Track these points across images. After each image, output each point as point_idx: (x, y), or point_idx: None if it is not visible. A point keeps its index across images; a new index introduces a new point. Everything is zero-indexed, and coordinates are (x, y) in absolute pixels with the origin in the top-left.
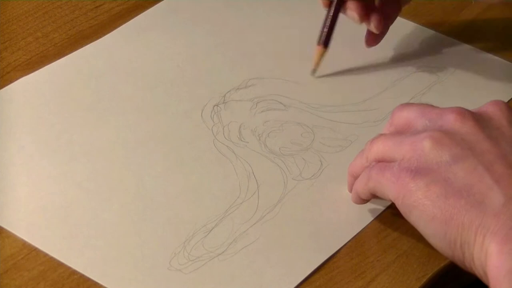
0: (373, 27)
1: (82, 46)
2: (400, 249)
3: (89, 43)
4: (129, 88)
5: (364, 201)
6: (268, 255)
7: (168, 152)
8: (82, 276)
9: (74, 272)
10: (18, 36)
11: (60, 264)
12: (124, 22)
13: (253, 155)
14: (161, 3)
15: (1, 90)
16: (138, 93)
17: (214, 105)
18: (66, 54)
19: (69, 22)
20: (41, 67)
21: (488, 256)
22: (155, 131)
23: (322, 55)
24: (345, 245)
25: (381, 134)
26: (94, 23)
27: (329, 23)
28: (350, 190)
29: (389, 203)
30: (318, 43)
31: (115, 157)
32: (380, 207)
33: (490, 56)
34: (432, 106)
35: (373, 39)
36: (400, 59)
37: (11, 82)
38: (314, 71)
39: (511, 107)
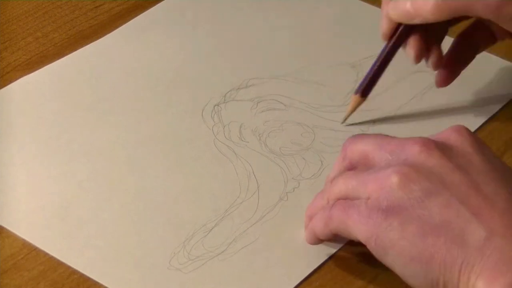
0: (430, 64)
1: (82, 46)
2: None
3: (89, 43)
4: (129, 88)
5: (321, 241)
6: (268, 255)
7: (168, 152)
8: (82, 276)
9: (74, 272)
10: (18, 36)
11: (60, 264)
12: (124, 22)
13: (253, 155)
14: (161, 3)
15: (1, 90)
16: (138, 93)
17: (215, 105)
18: (66, 54)
19: (69, 22)
20: (41, 67)
21: None
22: (155, 131)
23: (358, 105)
24: (345, 244)
25: (342, 174)
26: (94, 23)
27: (374, 71)
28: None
29: None
30: (356, 92)
31: (115, 157)
32: None
33: (490, 56)
34: (388, 136)
35: (443, 80)
36: (400, 59)
37: (11, 82)
38: (345, 119)
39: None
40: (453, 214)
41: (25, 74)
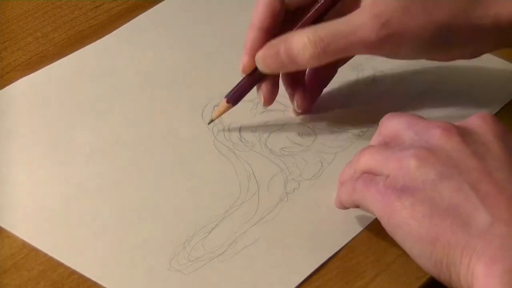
0: (296, 106)
1: (82, 46)
2: (400, 249)
3: (89, 43)
4: (129, 88)
5: (346, 208)
6: (268, 255)
7: (168, 152)
8: (82, 276)
9: (74, 272)
10: (18, 36)
11: (60, 264)
12: (124, 22)
13: (253, 156)
14: (161, 3)
15: (1, 90)
16: (138, 93)
17: (215, 106)
18: (66, 54)
19: (69, 22)
20: (41, 67)
21: (475, 277)
22: (155, 132)
23: (226, 111)
24: (345, 245)
25: (370, 146)
26: (94, 23)
27: (246, 85)
28: None
29: None
30: (228, 99)
31: (115, 157)
32: None
33: (490, 56)
34: (419, 117)
35: (304, 106)
36: (399, 61)
37: (11, 82)
38: (211, 121)
39: (499, 119)
40: (462, 198)
41: (25, 74)
